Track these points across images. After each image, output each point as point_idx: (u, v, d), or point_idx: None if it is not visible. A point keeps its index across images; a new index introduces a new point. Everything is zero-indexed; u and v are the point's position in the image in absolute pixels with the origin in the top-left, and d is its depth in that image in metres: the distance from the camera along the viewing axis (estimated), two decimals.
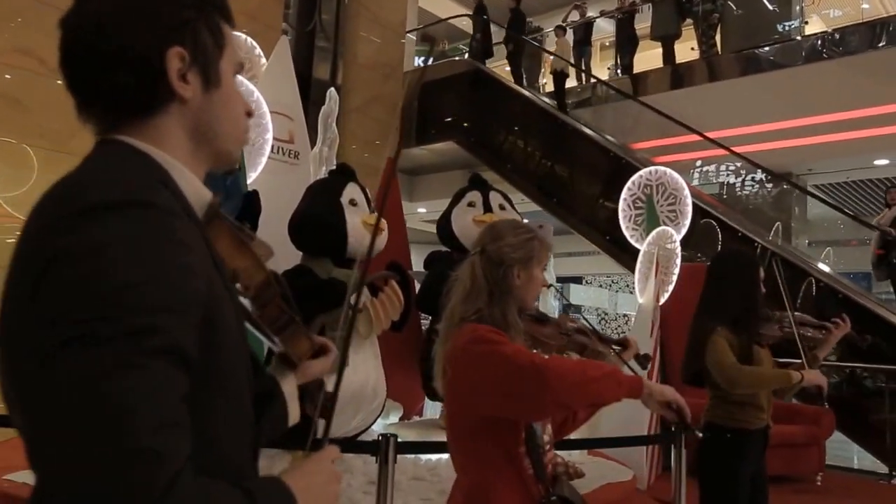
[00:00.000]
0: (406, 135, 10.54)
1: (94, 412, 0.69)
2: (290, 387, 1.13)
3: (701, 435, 1.84)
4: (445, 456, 4.21)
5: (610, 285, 16.83)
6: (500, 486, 1.73)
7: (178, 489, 0.70)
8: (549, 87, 11.38)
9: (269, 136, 4.65)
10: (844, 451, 7.54)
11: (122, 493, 0.68)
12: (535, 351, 1.98)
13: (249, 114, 1.04)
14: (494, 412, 1.74)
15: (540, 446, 1.80)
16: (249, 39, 5.47)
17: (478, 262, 1.86)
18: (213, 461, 0.81)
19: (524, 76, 11.83)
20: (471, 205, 4.77)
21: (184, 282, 0.78)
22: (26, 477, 3.66)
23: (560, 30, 11.58)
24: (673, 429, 2.79)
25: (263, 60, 5.53)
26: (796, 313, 3.16)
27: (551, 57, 11.32)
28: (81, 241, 0.74)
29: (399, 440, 2.83)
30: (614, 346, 2.12)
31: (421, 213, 12.87)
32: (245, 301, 1.04)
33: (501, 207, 4.79)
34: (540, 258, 1.89)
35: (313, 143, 5.53)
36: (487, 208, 4.74)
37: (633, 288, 6.20)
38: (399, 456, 2.84)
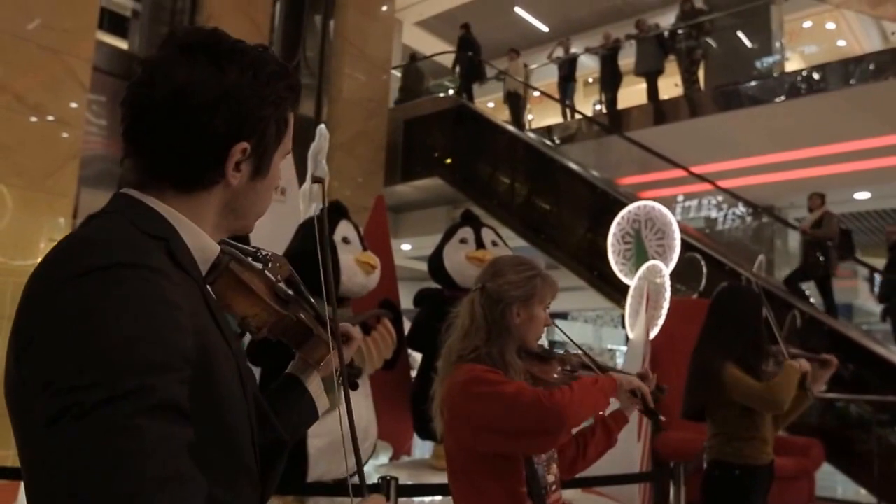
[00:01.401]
0: (391, 172, 10.55)
1: (97, 476, 0.68)
2: (314, 384, 1.19)
3: (663, 419, 1.99)
4: (440, 497, 4.13)
5: (595, 320, 16.83)
6: None
7: None
8: (535, 124, 11.54)
9: None
10: (829, 482, 7.50)
11: None
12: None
13: (281, 190, 1.06)
14: (500, 450, 1.71)
15: (543, 487, 1.76)
16: None
17: (477, 299, 1.83)
18: None
19: (510, 114, 11.95)
20: (463, 241, 4.72)
21: (172, 338, 0.77)
22: None
23: (514, 52, 12.13)
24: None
25: None
26: (791, 349, 3.18)
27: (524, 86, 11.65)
28: (69, 305, 0.74)
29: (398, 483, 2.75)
30: None
31: (405, 251, 12.84)
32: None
33: (494, 244, 4.75)
34: (542, 296, 1.85)
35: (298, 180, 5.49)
36: (480, 244, 4.68)
37: (618, 322, 6.19)
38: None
